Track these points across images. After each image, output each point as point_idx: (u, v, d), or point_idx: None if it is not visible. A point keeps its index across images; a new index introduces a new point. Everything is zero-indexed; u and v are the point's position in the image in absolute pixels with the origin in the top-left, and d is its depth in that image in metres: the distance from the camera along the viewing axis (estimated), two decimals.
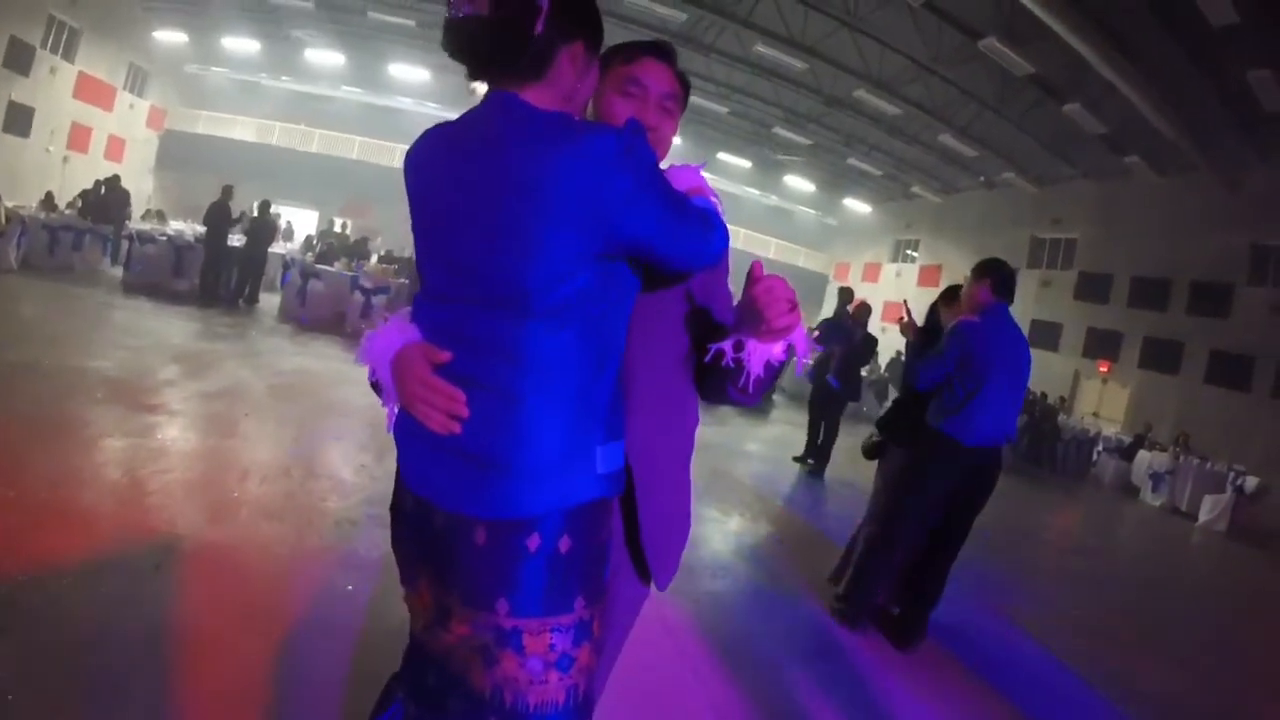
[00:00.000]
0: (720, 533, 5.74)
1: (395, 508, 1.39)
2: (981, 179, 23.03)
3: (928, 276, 26.75)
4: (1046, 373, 19.54)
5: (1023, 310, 21.07)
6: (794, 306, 1.35)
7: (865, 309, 9.47)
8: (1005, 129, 18.70)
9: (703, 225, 1.32)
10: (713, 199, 1.46)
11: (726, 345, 1.43)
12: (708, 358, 1.47)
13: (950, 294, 4.55)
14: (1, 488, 3.93)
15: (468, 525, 1.22)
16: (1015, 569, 6.79)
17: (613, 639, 1.52)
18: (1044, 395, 17.64)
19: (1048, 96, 15.93)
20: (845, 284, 31.75)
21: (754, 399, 1.52)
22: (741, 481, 7.63)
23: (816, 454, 8.75)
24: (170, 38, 26.22)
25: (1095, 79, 14.10)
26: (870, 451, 4.53)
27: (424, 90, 27.95)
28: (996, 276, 4.03)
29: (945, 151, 21.27)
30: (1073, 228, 22.16)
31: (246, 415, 6.27)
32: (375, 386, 1.36)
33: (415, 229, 1.35)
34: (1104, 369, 21.22)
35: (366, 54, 25.43)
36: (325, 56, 26.00)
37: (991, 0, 13.04)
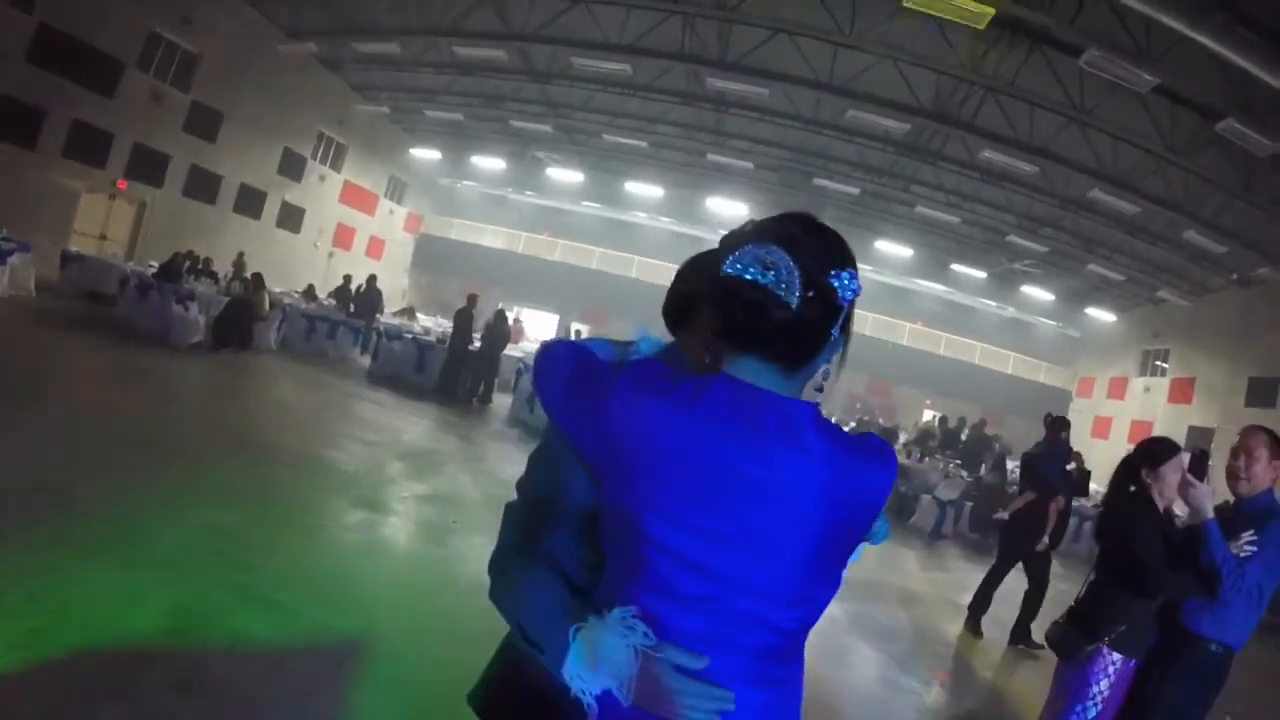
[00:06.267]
0: (915, 709, 5.16)
1: None
2: (1234, 276, 20.66)
3: (1179, 391, 24.12)
4: None
5: None
6: None
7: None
8: (1255, 218, 16.66)
9: None
10: None
11: None
12: None
13: (1154, 451, 3.46)
14: (214, 563, 4.30)
15: None
16: None
17: None
18: None
19: None
20: (1085, 400, 30.11)
21: None
22: (950, 644, 6.75)
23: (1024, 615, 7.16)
24: (426, 155, 29.21)
25: None
26: (1066, 649, 3.45)
27: (658, 206, 29.17)
28: None
29: (1192, 249, 19.31)
30: None
31: (455, 523, 6.50)
32: (533, 644, 1.26)
33: (639, 503, 1.19)
34: None
35: (603, 172, 26.95)
36: (565, 174, 27.72)
37: (1225, 77, 11.93)
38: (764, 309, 1.15)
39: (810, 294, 1.14)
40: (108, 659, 3.10)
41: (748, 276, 1.15)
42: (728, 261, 1.17)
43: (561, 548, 1.37)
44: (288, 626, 3.82)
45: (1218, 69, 11.52)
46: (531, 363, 11.01)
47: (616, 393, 1.20)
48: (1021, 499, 7.52)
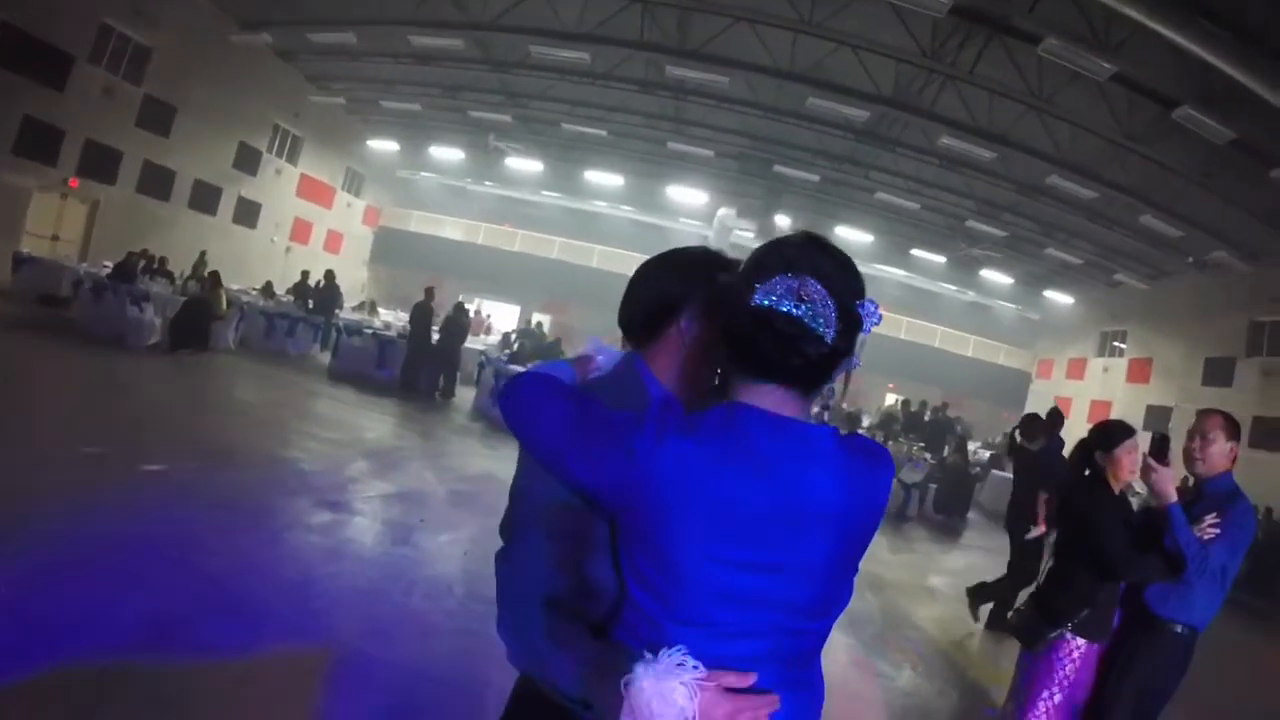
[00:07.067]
0: (886, 691, 5.22)
1: None
2: (1190, 260, 20.97)
3: (1138, 371, 24.65)
4: (1270, 479, 16.04)
5: (1242, 405, 18.53)
6: None
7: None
8: (1212, 203, 17.04)
9: None
10: None
11: None
12: None
13: (1107, 434, 3.47)
14: (178, 572, 4.22)
15: None
16: None
17: None
18: (1270, 511, 14.97)
19: (1254, 162, 14.37)
20: (1045, 381, 30.47)
21: None
22: (920, 628, 6.77)
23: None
24: (383, 146, 28.75)
25: None
26: (1030, 637, 3.39)
27: (618, 195, 28.95)
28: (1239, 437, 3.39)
29: (1149, 233, 19.59)
30: None
31: (421, 522, 6.43)
32: (578, 702, 1.24)
33: (675, 545, 1.18)
34: None
35: (563, 161, 26.71)
36: (525, 164, 27.48)
37: (1182, 66, 12.10)
38: (799, 343, 1.16)
39: (841, 326, 1.16)
40: (79, 674, 3.05)
41: (782, 309, 1.15)
42: (758, 293, 1.17)
43: (533, 544, 1.33)
44: (257, 634, 3.76)
45: (1175, 58, 11.67)
46: (490, 356, 10.83)
47: (639, 438, 1.18)
48: (1044, 503, 6.98)
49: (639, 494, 1.17)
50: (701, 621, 1.18)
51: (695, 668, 1.13)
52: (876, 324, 1.21)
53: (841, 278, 1.19)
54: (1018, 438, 7.96)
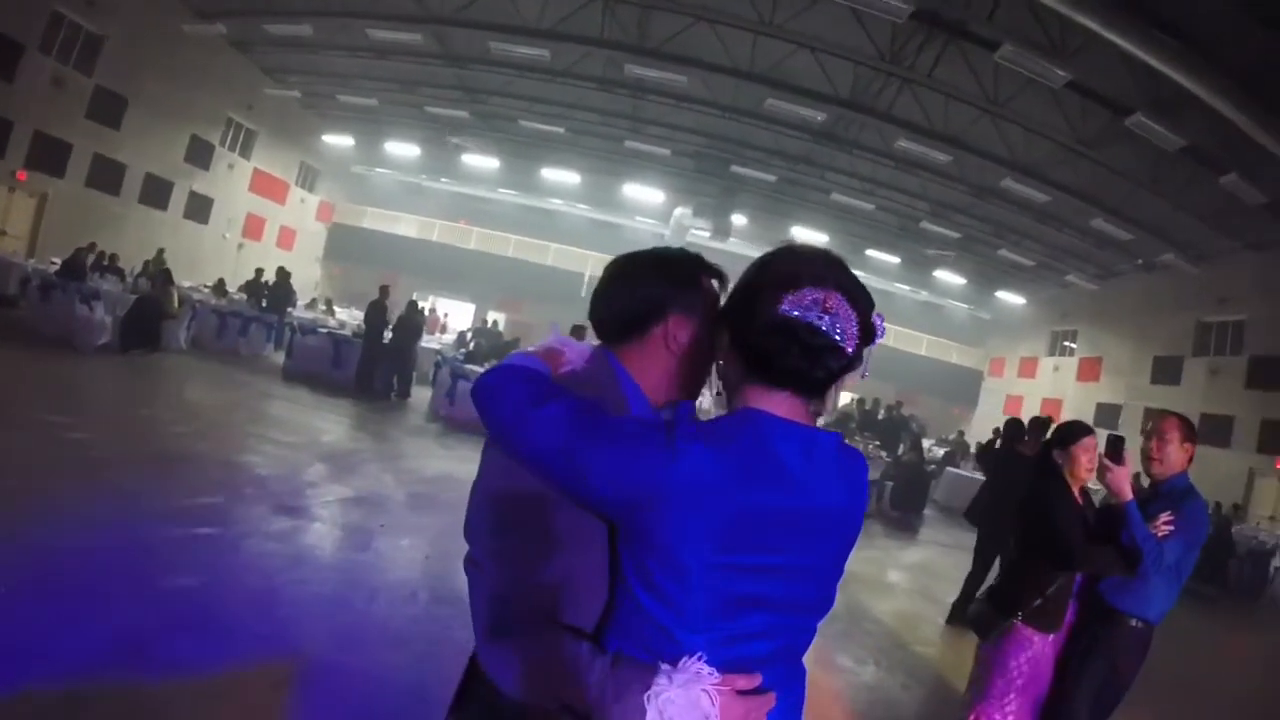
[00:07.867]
0: (851, 686, 5.26)
1: None
2: (1139, 261, 21.54)
3: (1087, 370, 25.26)
4: (1217, 474, 17.08)
5: (1189, 403, 19.29)
6: None
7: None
8: (1161, 207, 17.56)
9: None
10: None
11: None
12: None
13: (1063, 433, 3.54)
14: (138, 586, 4.11)
15: None
16: None
17: None
18: (1218, 505, 15.34)
19: (1203, 169, 14.90)
20: (997, 379, 30.98)
21: None
22: (881, 622, 6.79)
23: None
24: (338, 141, 28.46)
25: (1250, 146, 13.02)
26: (983, 627, 3.49)
27: (574, 193, 28.90)
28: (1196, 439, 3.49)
29: (1099, 236, 20.12)
30: (1240, 308, 19.98)
31: (382, 527, 6.33)
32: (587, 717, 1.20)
33: (689, 552, 1.16)
34: None
35: (520, 158, 26.56)
36: (481, 161, 27.27)
37: (1135, 74, 12.41)
38: (824, 354, 1.18)
39: (860, 338, 1.20)
40: (46, 697, 2.94)
41: (809, 321, 1.17)
42: (785, 304, 1.17)
43: (503, 547, 1.28)
44: (223, 646, 3.68)
45: (1128, 66, 11.93)
46: (445, 355, 10.59)
47: (677, 445, 1.15)
48: None
49: (658, 502, 1.15)
50: (717, 629, 1.18)
51: (711, 673, 1.15)
52: (881, 337, 1.24)
53: (860, 291, 1.22)
54: (998, 443, 7.97)
